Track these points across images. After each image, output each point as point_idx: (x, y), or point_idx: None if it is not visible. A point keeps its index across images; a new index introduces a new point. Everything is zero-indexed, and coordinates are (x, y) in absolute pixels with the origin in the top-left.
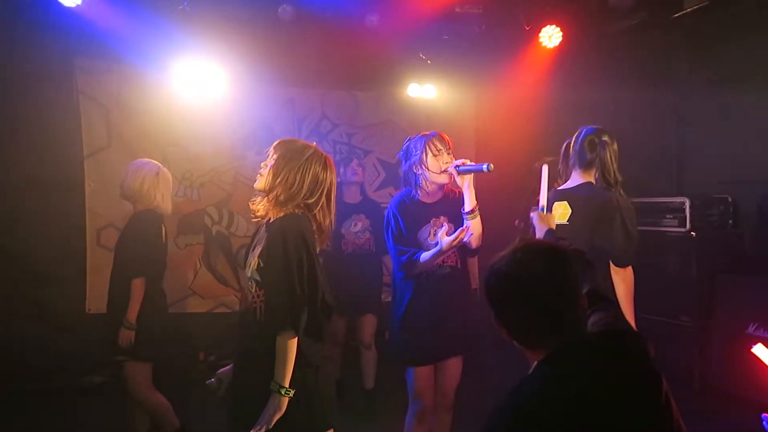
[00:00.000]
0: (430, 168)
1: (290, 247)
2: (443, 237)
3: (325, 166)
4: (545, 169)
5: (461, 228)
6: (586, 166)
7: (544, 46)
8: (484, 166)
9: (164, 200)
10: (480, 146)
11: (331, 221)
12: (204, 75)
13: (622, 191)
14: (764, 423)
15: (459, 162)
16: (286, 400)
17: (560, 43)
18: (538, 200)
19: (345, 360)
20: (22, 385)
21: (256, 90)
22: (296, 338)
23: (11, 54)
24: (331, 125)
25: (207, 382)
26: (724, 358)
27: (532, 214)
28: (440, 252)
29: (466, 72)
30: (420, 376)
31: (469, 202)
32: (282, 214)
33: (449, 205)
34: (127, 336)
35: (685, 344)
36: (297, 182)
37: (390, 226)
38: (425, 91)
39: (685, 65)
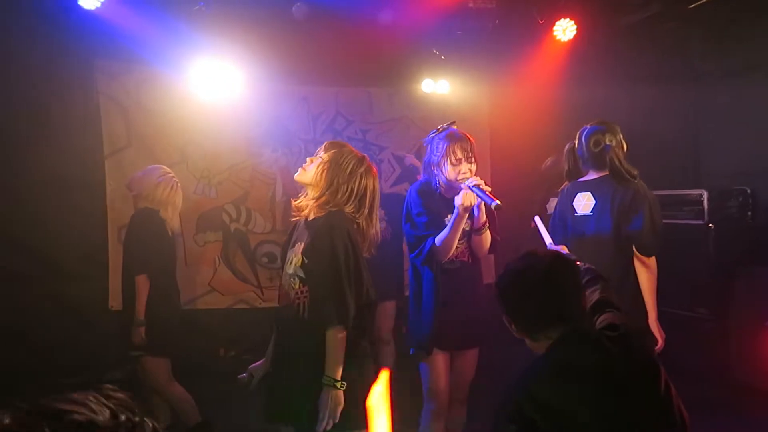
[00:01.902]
0: (446, 174)
1: (337, 242)
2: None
3: (375, 179)
4: (538, 220)
5: (476, 182)
6: (599, 166)
7: (559, 40)
8: (493, 204)
9: (173, 216)
10: (494, 141)
11: (376, 231)
12: (220, 74)
13: (643, 183)
14: None
15: (474, 182)
16: (341, 393)
17: (574, 36)
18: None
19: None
20: (46, 380)
21: (271, 88)
22: (345, 333)
23: (33, 57)
24: (346, 122)
25: (239, 376)
26: (743, 350)
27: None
28: (458, 217)
29: (480, 67)
30: (435, 371)
31: (478, 218)
32: (324, 212)
33: None
34: (138, 332)
35: (703, 336)
36: (347, 193)
37: (411, 213)
38: (439, 87)
39: (701, 56)
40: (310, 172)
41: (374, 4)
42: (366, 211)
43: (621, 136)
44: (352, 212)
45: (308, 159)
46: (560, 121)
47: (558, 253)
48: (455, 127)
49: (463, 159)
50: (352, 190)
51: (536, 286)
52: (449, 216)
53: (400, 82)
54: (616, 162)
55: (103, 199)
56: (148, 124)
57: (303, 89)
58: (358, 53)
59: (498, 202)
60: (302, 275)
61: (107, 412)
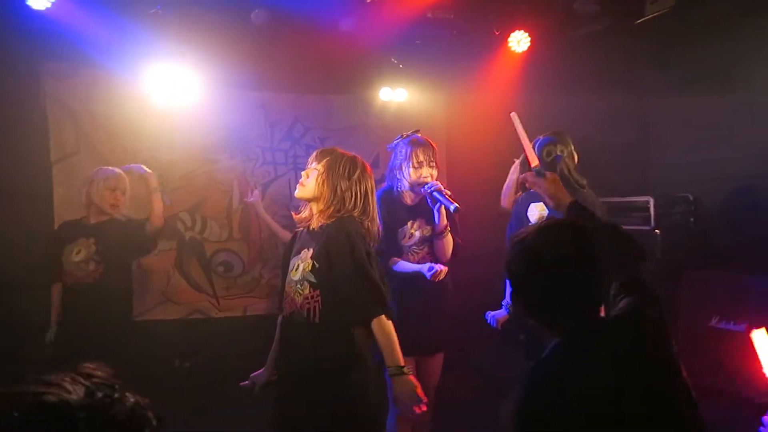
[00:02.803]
0: (407, 177)
1: (356, 241)
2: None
3: (371, 176)
4: (515, 116)
5: (442, 268)
6: None
7: (513, 51)
8: (452, 207)
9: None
10: (451, 149)
11: (378, 228)
12: (176, 79)
13: (592, 192)
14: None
15: (434, 186)
16: (411, 377)
17: (529, 47)
18: (526, 156)
19: None
20: None
21: (229, 94)
22: (390, 319)
23: None
24: (304, 129)
25: (240, 384)
26: (691, 350)
27: (528, 179)
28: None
29: (438, 76)
30: None
31: (439, 222)
32: (335, 219)
33: (428, 207)
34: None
35: None
36: (353, 199)
37: None
38: (397, 95)
39: (648, 69)
40: (309, 186)
41: (334, 11)
42: (370, 211)
43: (572, 147)
44: (360, 216)
45: (303, 173)
46: (515, 130)
47: (582, 228)
48: (419, 134)
49: (425, 163)
50: (357, 194)
51: (553, 267)
52: (409, 222)
53: (359, 90)
54: (566, 172)
55: (51, 207)
56: (100, 129)
57: (261, 96)
58: (317, 60)
59: (457, 205)
60: (313, 279)
61: (82, 391)
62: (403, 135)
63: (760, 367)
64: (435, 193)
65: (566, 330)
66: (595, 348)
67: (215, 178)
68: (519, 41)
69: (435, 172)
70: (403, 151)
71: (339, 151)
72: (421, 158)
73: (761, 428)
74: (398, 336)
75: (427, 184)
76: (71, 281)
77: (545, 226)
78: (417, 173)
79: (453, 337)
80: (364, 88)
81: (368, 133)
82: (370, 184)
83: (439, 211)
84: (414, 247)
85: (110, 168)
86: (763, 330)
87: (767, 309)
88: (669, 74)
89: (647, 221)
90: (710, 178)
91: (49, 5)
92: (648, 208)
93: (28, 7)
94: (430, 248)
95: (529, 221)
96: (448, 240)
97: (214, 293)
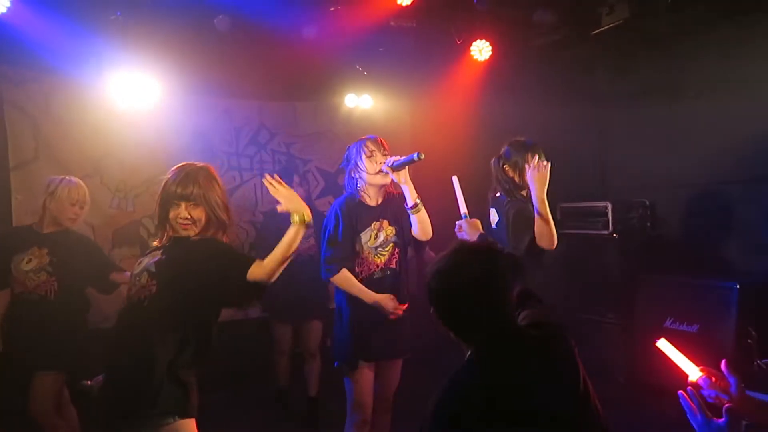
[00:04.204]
0: (366, 170)
1: None
2: (382, 300)
3: None
4: (455, 180)
5: (400, 308)
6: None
7: (476, 59)
8: (415, 155)
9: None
10: None
11: None
12: (138, 85)
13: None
14: (681, 400)
15: (390, 160)
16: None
17: (490, 56)
18: (459, 210)
19: (292, 368)
20: None
21: (193, 100)
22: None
23: None
24: (270, 135)
25: (82, 382)
26: (646, 351)
27: (459, 223)
28: (362, 295)
29: (402, 83)
30: (359, 385)
31: (410, 197)
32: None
33: (391, 207)
34: None
35: (611, 340)
36: None
37: (328, 227)
38: (362, 102)
39: (605, 78)
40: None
41: (298, 19)
42: None
43: (516, 159)
44: None
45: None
46: (479, 136)
47: (487, 251)
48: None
49: (377, 151)
50: None
51: (464, 289)
52: (373, 224)
53: (324, 97)
54: (500, 180)
55: (9, 214)
56: (59, 136)
57: (225, 102)
58: (282, 67)
59: (420, 152)
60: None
61: None
62: (348, 146)
63: (677, 367)
64: (395, 164)
65: (478, 342)
66: (504, 358)
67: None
68: (481, 50)
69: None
70: (354, 149)
71: None
72: (372, 147)
73: (681, 400)
74: (358, 341)
75: (385, 162)
76: (19, 290)
77: (459, 250)
78: (372, 161)
79: (413, 343)
80: (330, 94)
81: (334, 139)
82: None
83: (405, 184)
84: (380, 248)
85: (73, 179)
86: (662, 339)
87: (718, 310)
88: (625, 83)
89: (606, 226)
90: (665, 184)
91: (4, 10)
92: (606, 213)
93: None
94: (397, 249)
95: (491, 225)
96: (423, 216)
97: None
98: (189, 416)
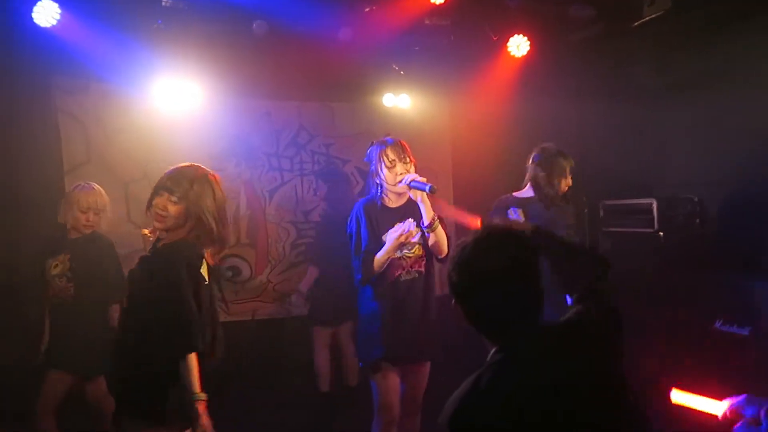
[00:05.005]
0: (385, 180)
1: None
2: (394, 236)
3: None
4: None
5: (409, 228)
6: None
7: (513, 55)
8: (427, 188)
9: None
10: (456, 154)
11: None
12: (181, 91)
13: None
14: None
15: (410, 177)
16: None
17: (528, 52)
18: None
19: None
20: None
21: (234, 104)
22: None
23: None
24: (309, 136)
25: None
26: (694, 352)
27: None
28: (387, 250)
29: (439, 82)
30: (385, 387)
31: (426, 215)
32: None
33: (415, 209)
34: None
35: (655, 342)
36: None
37: (352, 233)
38: (400, 101)
39: (647, 72)
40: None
41: (333, 21)
42: None
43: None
44: None
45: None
46: (518, 134)
47: (516, 238)
48: (389, 136)
49: (397, 160)
50: None
51: (491, 282)
52: (396, 225)
53: (362, 97)
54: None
55: None
56: (109, 141)
57: (265, 104)
58: (319, 69)
59: (431, 185)
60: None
61: None
62: (372, 142)
63: (707, 414)
64: (411, 184)
65: (503, 338)
66: (530, 359)
67: (222, 185)
68: (518, 45)
69: (411, 167)
70: (374, 155)
71: None
72: (392, 156)
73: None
74: (380, 343)
75: (403, 179)
76: (51, 294)
77: (483, 237)
78: (393, 173)
79: (442, 345)
80: (367, 95)
81: (372, 139)
82: None
83: (422, 202)
84: (405, 250)
85: (87, 185)
86: (674, 390)
87: None
88: (668, 76)
89: (650, 224)
90: (714, 180)
91: (54, 22)
92: (651, 211)
93: (35, 25)
94: (423, 250)
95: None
96: (440, 233)
97: (223, 297)
98: (160, 423)
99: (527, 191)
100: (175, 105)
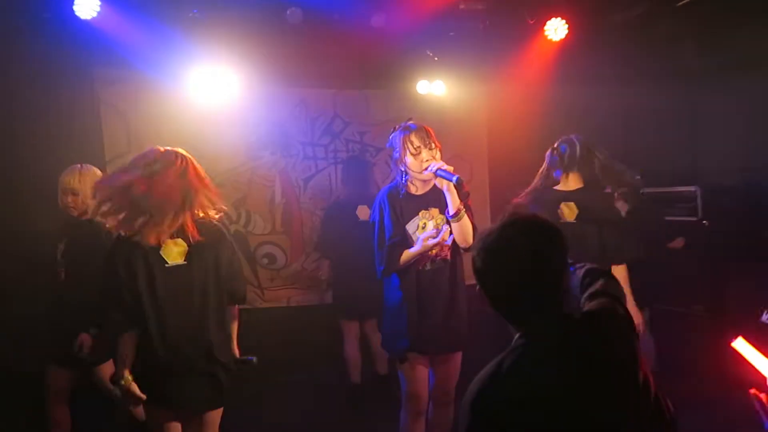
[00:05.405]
0: (410, 167)
1: None
2: (424, 239)
3: None
4: None
5: (443, 230)
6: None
7: (550, 40)
8: (454, 179)
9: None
10: (492, 142)
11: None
12: (217, 79)
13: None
14: (755, 401)
15: (436, 165)
16: None
17: (566, 35)
18: None
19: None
20: None
21: (269, 92)
22: None
23: (33, 66)
24: (344, 124)
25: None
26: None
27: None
28: (414, 254)
29: (474, 67)
30: (412, 377)
31: (451, 204)
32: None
33: (441, 196)
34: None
35: (698, 334)
36: None
37: (375, 222)
38: (434, 88)
39: (693, 54)
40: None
41: (367, 8)
42: None
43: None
44: None
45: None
46: (557, 121)
47: (541, 223)
48: (411, 121)
49: (422, 146)
50: None
51: (513, 266)
52: (421, 212)
53: (396, 84)
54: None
55: None
56: (148, 130)
57: (301, 92)
58: (353, 56)
59: (458, 176)
60: (449, 229)
61: None
62: (395, 128)
63: (757, 371)
64: (438, 173)
65: (524, 325)
66: (551, 346)
67: (258, 173)
68: (556, 29)
69: (437, 153)
70: (397, 141)
71: None
72: (417, 143)
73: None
74: (406, 334)
75: (429, 167)
76: (60, 276)
77: (509, 224)
78: (418, 159)
79: (471, 336)
80: (401, 82)
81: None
82: None
83: (448, 191)
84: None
85: (76, 166)
86: (740, 338)
87: None
88: (716, 57)
89: (694, 212)
90: (762, 166)
91: (94, 14)
92: (695, 198)
93: (76, 17)
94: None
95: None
96: (465, 223)
97: (259, 284)
98: None
99: (571, 183)
100: (212, 94)
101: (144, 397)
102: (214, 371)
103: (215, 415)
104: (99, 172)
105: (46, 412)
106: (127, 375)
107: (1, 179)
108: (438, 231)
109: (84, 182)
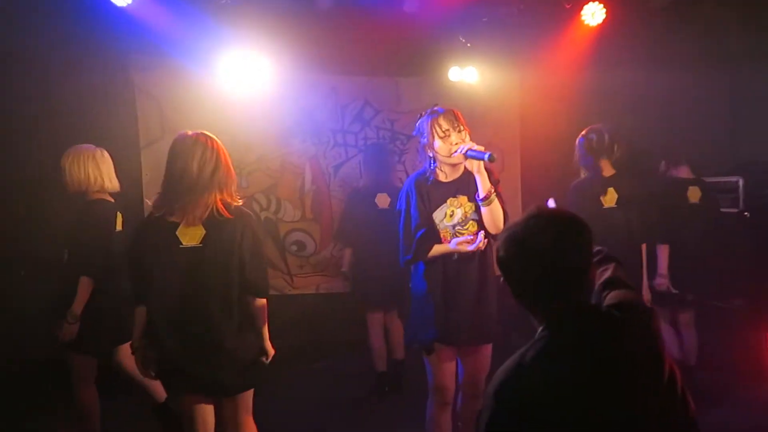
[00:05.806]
0: (438, 152)
1: None
2: (459, 243)
3: None
4: None
5: (480, 238)
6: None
7: (587, 24)
8: (486, 156)
9: (111, 181)
10: (525, 130)
11: None
12: (248, 66)
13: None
14: None
15: (466, 147)
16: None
17: (604, 20)
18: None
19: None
20: None
21: (300, 79)
22: None
23: (70, 53)
24: (374, 111)
25: None
26: None
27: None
28: (449, 252)
29: (508, 54)
30: (439, 368)
31: (482, 188)
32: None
33: (470, 184)
34: (70, 330)
35: (737, 328)
36: None
37: (401, 206)
38: (467, 75)
39: (737, 39)
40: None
41: None
42: None
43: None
44: None
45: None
46: (593, 108)
47: (568, 219)
48: (438, 105)
49: (451, 129)
50: None
51: (536, 256)
52: (449, 200)
53: (427, 71)
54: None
55: (140, 189)
56: (181, 117)
57: (331, 79)
58: (384, 43)
59: (491, 153)
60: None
61: None
62: (422, 114)
63: None
64: (468, 153)
65: (547, 317)
66: (573, 340)
67: (289, 160)
68: (593, 13)
69: (465, 136)
70: (425, 126)
71: None
72: (445, 126)
73: None
74: (439, 324)
75: (459, 149)
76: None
77: (535, 215)
78: (447, 143)
79: (501, 328)
80: (433, 69)
81: None
82: None
83: (478, 173)
84: (458, 227)
85: (77, 146)
86: None
87: None
88: (760, 42)
89: (735, 203)
90: None
91: (129, 1)
92: (737, 189)
93: (112, 4)
94: (477, 226)
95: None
96: (496, 207)
97: (288, 271)
98: None
99: (605, 170)
100: (243, 81)
101: (152, 372)
102: (227, 356)
103: (246, 397)
104: (86, 152)
105: (74, 396)
106: (140, 341)
107: (39, 163)
108: (476, 238)
109: (68, 160)
